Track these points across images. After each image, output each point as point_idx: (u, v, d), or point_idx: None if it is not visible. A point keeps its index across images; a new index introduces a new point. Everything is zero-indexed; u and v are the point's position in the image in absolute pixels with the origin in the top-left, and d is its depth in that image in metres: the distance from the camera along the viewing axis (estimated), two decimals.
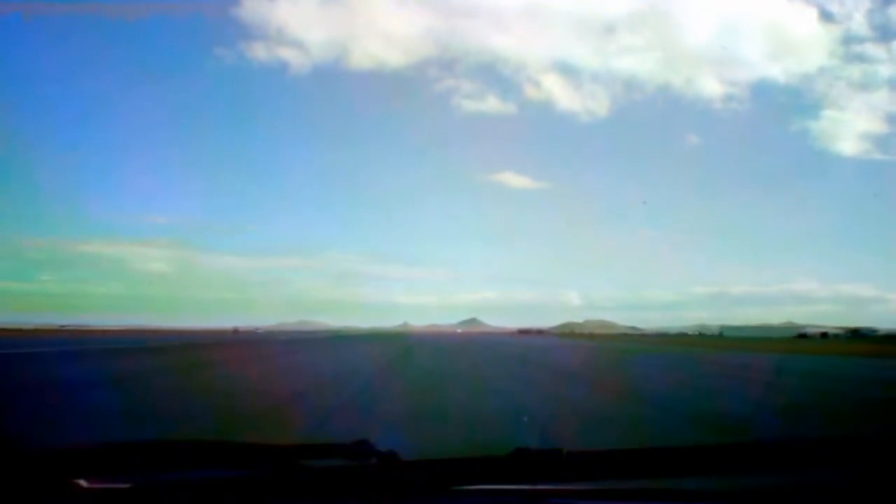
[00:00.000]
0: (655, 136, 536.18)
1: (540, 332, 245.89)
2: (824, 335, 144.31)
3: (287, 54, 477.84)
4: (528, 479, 1.42)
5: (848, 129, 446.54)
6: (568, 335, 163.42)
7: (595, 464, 1.42)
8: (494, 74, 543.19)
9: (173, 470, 1.48)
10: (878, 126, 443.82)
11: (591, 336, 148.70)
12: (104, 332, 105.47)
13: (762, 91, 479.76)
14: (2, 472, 1.36)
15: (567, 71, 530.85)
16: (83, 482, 1.37)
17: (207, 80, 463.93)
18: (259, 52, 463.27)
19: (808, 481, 1.41)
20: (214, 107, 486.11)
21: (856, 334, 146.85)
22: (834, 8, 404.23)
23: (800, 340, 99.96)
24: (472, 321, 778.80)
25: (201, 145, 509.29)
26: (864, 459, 1.37)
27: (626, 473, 1.41)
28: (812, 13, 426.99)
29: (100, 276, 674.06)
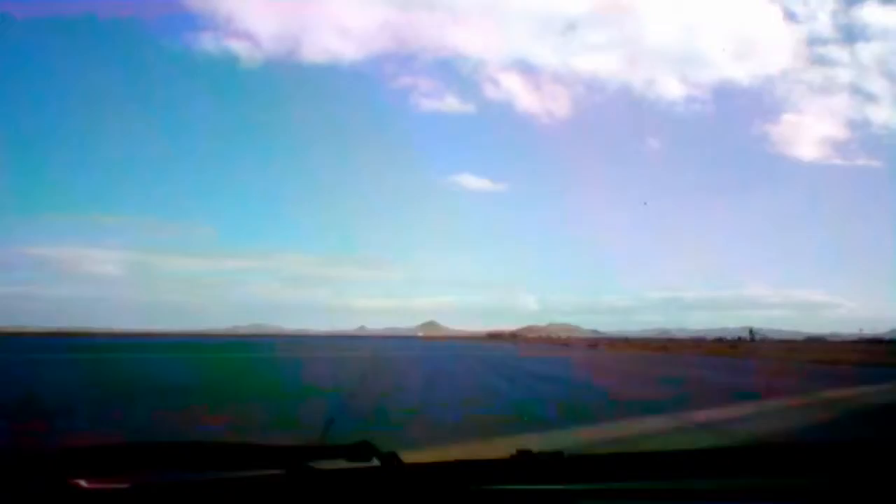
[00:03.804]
0: (615, 138, 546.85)
1: (513, 336, 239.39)
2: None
3: (237, 46, 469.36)
4: (529, 481, 1.44)
5: (807, 133, 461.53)
6: (564, 342, 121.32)
7: (596, 466, 1.46)
8: (453, 72, 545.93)
9: (173, 470, 1.48)
10: (837, 131, 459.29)
11: (595, 345, 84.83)
12: None
13: (724, 93, 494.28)
14: (2, 472, 1.35)
15: (527, 69, 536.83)
16: (83, 482, 1.36)
17: (155, 73, 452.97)
18: (208, 43, 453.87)
19: (808, 483, 1.46)
20: (163, 102, 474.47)
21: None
22: (798, 9, 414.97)
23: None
24: (431, 324, 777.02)
25: (151, 141, 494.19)
26: (865, 463, 1.41)
27: (627, 475, 1.45)
28: (776, 15, 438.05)
29: (46, 278, 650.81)
